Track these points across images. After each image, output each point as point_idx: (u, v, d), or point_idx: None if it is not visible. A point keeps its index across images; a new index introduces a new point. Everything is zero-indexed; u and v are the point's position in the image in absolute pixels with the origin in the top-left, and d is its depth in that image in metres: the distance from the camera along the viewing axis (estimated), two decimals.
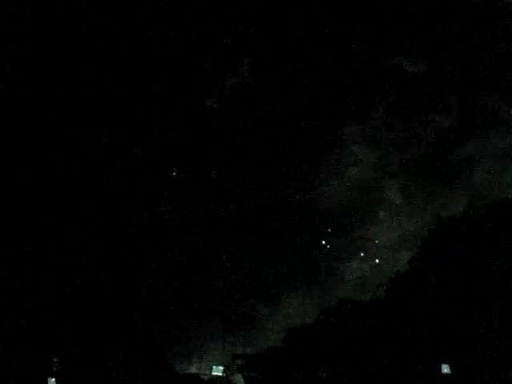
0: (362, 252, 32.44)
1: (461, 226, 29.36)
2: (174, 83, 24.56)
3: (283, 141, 28.52)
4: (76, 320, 23.45)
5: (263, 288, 32.85)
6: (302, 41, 26.85)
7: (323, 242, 31.40)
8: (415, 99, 29.48)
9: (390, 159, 30.38)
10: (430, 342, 28.31)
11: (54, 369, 20.20)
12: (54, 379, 17.98)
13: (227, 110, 27.86)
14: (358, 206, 32.11)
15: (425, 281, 31.36)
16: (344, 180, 31.44)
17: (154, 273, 28.92)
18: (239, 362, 43.20)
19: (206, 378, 26.12)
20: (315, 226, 31.24)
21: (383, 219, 32.03)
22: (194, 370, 34.82)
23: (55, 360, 20.61)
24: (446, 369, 25.67)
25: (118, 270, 26.31)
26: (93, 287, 23.70)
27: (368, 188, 31.64)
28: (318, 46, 26.95)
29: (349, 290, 34.54)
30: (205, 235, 29.76)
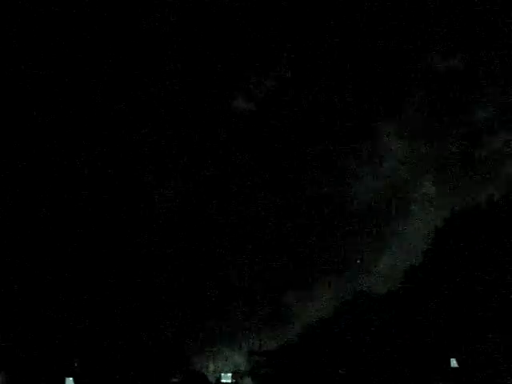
0: (391, 246, 32.51)
1: (475, 218, 29.24)
2: (207, 82, 24.53)
3: (318, 136, 28.68)
4: (94, 320, 23.61)
5: (292, 280, 33.21)
6: (337, 38, 26.95)
7: (353, 236, 31.62)
8: (448, 94, 29.51)
9: (422, 153, 30.50)
10: (441, 335, 28.29)
11: (73, 368, 20.33)
12: (71, 378, 18.00)
13: (259, 108, 27.94)
14: (389, 200, 32.24)
15: (438, 273, 31.28)
16: (377, 174, 31.61)
17: (172, 268, 29.04)
18: (255, 358, 43.39)
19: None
20: (347, 219, 31.45)
21: (414, 213, 32.11)
22: (211, 367, 34.93)
23: (75, 360, 20.75)
24: (453, 362, 25.68)
25: (137, 269, 26.46)
26: (111, 287, 23.84)
27: (400, 182, 31.75)
28: (353, 43, 27.02)
29: (367, 283, 34.56)
30: (236, 229, 29.99)
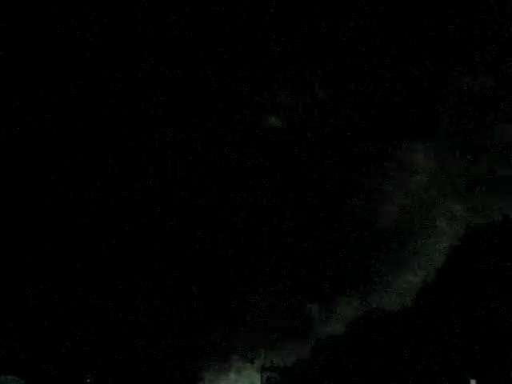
0: (409, 262, 32.45)
1: (492, 234, 29.11)
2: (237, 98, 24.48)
3: (346, 153, 28.75)
4: (106, 333, 23.55)
5: (308, 295, 33.24)
6: (370, 58, 27.05)
7: (374, 252, 31.64)
8: (479, 113, 29.57)
9: (450, 172, 30.54)
10: (457, 355, 28.05)
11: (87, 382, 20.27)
12: None
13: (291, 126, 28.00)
14: (414, 217, 32.21)
15: (452, 291, 31.11)
16: (404, 191, 31.61)
17: (183, 278, 28.96)
18: (267, 374, 43.18)
19: None
20: (370, 235, 31.44)
21: (438, 231, 32.08)
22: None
23: (87, 377, 20.68)
24: None
25: (144, 280, 26.38)
26: (120, 298, 23.76)
27: (427, 200, 31.75)
28: (386, 63, 27.14)
29: (381, 300, 34.42)
30: (256, 242, 30.01)
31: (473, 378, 26.18)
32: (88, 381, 20.75)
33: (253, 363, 42.59)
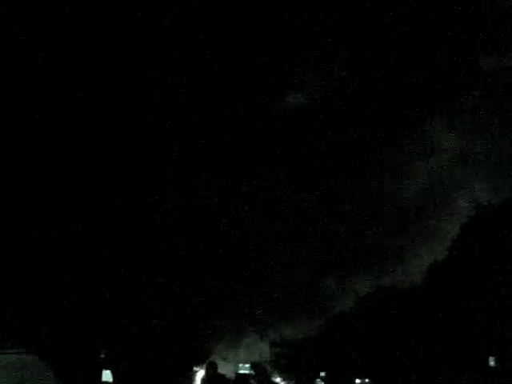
0: (428, 240, 32.47)
1: (505, 214, 29.01)
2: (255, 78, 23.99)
3: (368, 130, 28.52)
4: (125, 311, 23.75)
5: (322, 271, 33.45)
6: (394, 37, 26.65)
7: (392, 231, 31.68)
8: (503, 93, 29.19)
9: (474, 151, 30.32)
10: (469, 332, 28.16)
11: (101, 360, 20.46)
12: (109, 371, 18.06)
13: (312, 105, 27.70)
14: (435, 197, 32.10)
15: (463, 269, 31.13)
16: (427, 170, 31.45)
17: (196, 249, 28.96)
18: (277, 349, 43.69)
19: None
20: (390, 214, 31.41)
21: (457, 211, 31.95)
22: (231, 357, 35.19)
23: (102, 351, 20.86)
24: (492, 362, 25.51)
25: (158, 255, 26.47)
26: (137, 277, 23.88)
27: (449, 180, 31.56)
28: (410, 40, 26.74)
29: (391, 278, 34.56)
30: (276, 216, 30.06)
31: (491, 355, 26.23)
32: (102, 356, 20.99)
33: (262, 338, 43.03)
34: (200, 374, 35.51)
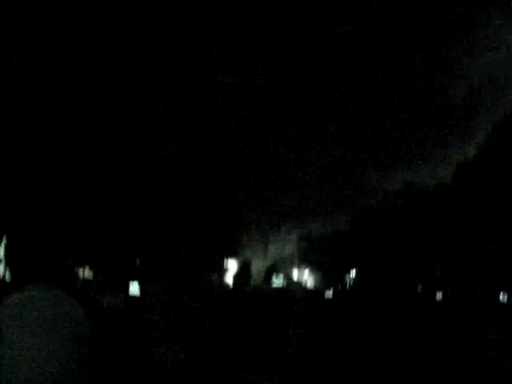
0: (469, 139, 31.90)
1: None
2: None
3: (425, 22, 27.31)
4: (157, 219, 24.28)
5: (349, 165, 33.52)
6: None
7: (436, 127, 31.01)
8: None
9: None
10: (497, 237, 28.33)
11: (135, 270, 21.25)
12: (136, 282, 18.73)
13: None
14: (485, 95, 31.06)
15: (491, 169, 30.79)
16: (481, 67, 30.23)
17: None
18: (305, 244, 44.91)
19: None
20: (437, 110, 30.71)
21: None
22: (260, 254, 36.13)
23: (137, 262, 21.64)
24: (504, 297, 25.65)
25: None
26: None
27: (501, 78, 30.36)
28: None
29: (418, 174, 34.42)
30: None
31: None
32: (138, 264, 21.83)
33: (290, 233, 44.16)
34: (232, 266, 37.03)
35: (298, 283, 25.15)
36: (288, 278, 27.05)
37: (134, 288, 18.41)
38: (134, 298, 17.10)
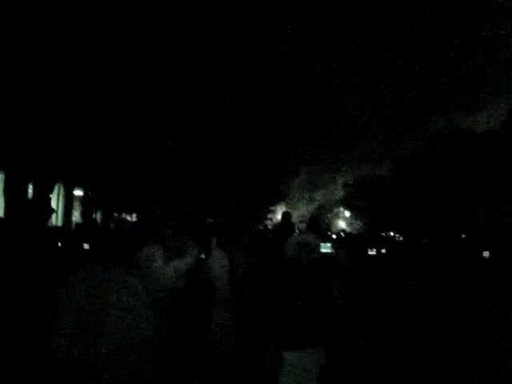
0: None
1: None
2: None
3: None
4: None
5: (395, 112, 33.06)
6: None
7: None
8: None
9: None
10: None
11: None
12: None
13: None
14: None
15: None
16: None
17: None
18: (350, 190, 44.91)
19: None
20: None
21: None
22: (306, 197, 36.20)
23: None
24: None
25: None
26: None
27: None
28: None
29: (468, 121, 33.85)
30: None
31: None
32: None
33: (335, 179, 44.12)
34: (279, 211, 37.35)
35: (344, 252, 25.03)
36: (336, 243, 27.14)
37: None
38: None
